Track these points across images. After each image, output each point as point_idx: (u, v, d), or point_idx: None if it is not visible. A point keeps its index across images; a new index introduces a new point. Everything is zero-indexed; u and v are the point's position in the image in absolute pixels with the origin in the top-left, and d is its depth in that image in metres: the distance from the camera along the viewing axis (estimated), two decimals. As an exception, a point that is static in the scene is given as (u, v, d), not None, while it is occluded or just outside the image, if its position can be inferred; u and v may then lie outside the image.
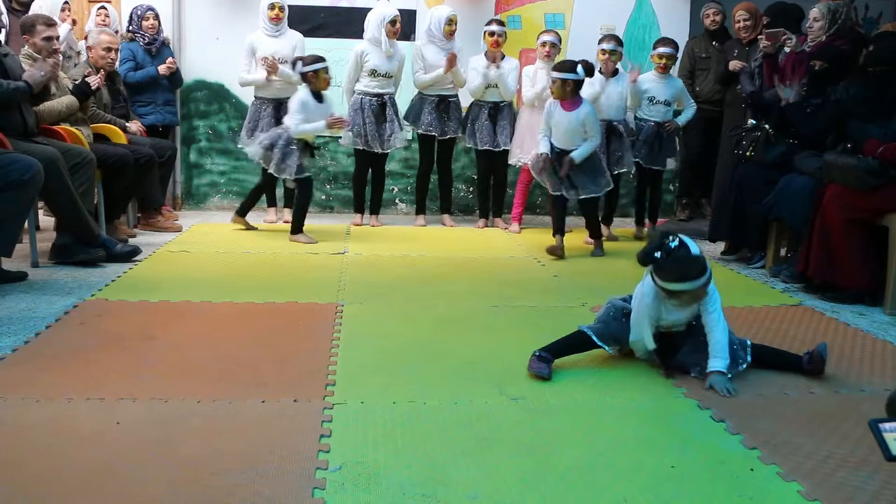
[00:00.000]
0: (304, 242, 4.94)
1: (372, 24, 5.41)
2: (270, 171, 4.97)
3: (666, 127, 5.30)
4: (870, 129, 3.74)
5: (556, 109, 4.67)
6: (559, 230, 4.79)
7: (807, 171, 4.07)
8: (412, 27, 6.11)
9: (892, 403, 1.93)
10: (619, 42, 5.26)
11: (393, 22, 5.35)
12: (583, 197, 4.77)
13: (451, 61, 5.35)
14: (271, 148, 4.92)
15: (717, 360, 2.58)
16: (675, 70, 5.54)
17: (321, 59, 4.93)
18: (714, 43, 5.85)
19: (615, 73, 5.23)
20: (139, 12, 5.52)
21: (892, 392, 2.01)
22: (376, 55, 5.38)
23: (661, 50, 5.25)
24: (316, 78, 4.91)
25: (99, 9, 5.52)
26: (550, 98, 4.75)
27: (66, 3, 5.30)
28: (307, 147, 5.03)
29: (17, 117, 4.00)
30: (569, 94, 4.58)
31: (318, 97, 4.98)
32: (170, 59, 5.55)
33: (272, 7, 5.37)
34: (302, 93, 4.95)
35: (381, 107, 5.47)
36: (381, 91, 5.47)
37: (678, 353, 2.71)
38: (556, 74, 4.60)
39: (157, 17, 5.54)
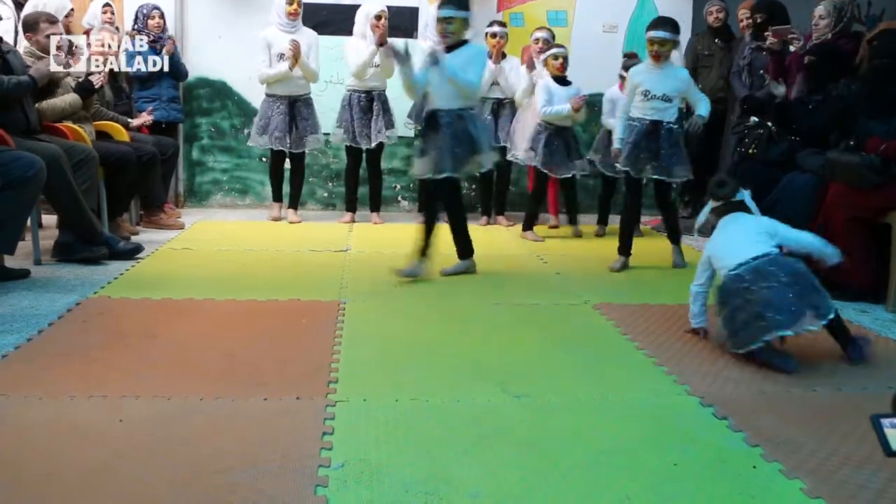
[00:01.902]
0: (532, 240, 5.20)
1: (359, 20, 5.45)
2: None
3: (690, 129, 4.38)
4: (872, 126, 3.74)
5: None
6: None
7: (809, 169, 4.06)
8: (414, 25, 6.11)
9: None
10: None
11: (378, 17, 5.36)
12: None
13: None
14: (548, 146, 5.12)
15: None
16: (678, 59, 4.85)
17: (560, 46, 5.12)
18: (717, 40, 5.85)
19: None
20: (145, 11, 5.53)
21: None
22: (363, 47, 5.39)
23: (653, 34, 4.22)
24: (546, 65, 5.15)
25: (104, 6, 5.50)
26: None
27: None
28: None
29: (20, 115, 4.00)
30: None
31: (562, 81, 5.13)
32: (168, 44, 5.48)
33: (291, 2, 5.36)
34: (546, 79, 5.13)
35: (369, 102, 5.48)
36: (369, 86, 5.47)
37: None
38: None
39: (162, 15, 5.55)
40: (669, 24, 4.24)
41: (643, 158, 4.29)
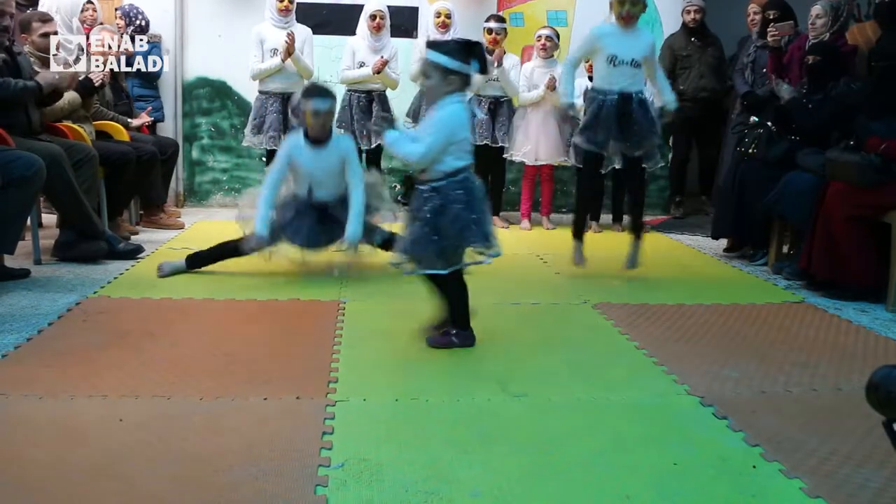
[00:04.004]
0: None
1: (361, 19, 5.46)
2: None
3: (664, 119, 4.02)
4: (872, 125, 3.74)
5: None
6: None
7: (809, 168, 4.06)
8: (415, 24, 6.11)
9: (871, 391, 1.70)
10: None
11: (373, 17, 5.35)
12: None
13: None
14: None
15: None
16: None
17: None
18: (693, 39, 5.86)
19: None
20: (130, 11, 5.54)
21: (868, 381, 1.80)
22: (363, 48, 5.39)
23: None
24: None
25: (86, 3, 5.44)
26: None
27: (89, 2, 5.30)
28: None
29: (22, 116, 3.99)
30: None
31: None
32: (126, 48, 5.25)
33: None
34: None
35: (368, 103, 5.47)
36: (369, 87, 5.46)
37: None
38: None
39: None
40: None
41: (613, 137, 3.80)
